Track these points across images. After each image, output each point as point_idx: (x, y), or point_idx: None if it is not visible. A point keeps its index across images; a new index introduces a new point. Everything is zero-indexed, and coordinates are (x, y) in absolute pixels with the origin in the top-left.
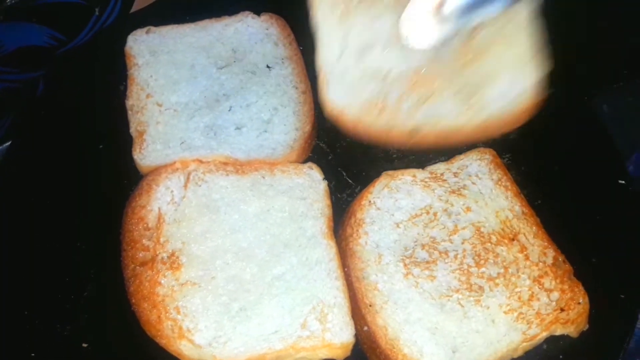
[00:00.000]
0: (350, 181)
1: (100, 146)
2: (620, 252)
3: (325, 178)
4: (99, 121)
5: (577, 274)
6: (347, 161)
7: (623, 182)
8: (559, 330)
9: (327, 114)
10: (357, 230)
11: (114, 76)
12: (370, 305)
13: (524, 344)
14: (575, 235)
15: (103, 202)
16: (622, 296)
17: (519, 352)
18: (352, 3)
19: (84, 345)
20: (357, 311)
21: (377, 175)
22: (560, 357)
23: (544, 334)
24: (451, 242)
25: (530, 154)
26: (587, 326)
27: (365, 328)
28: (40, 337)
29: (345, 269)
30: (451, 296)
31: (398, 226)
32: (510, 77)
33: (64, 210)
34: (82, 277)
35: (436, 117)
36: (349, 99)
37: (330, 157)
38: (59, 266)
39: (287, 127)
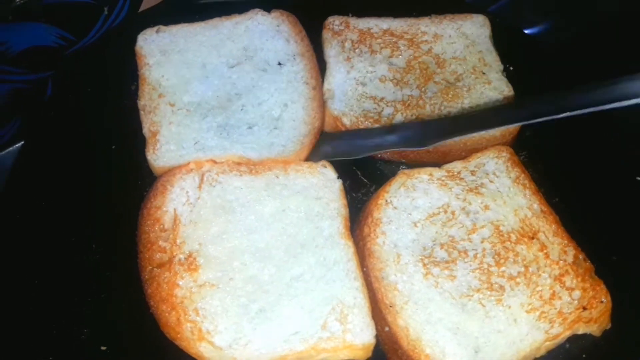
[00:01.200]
0: (365, 180)
1: (113, 147)
2: None
3: (340, 177)
4: (110, 122)
5: (598, 272)
6: (361, 160)
7: None
8: (581, 329)
9: (327, 121)
10: (375, 230)
11: (124, 76)
12: (390, 306)
13: (547, 343)
14: (594, 233)
15: (117, 203)
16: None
17: (542, 352)
18: (355, 51)
19: (103, 348)
20: (378, 312)
21: (392, 173)
22: (584, 356)
23: (567, 333)
24: (470, 241)
25: (547, 151)
26: (609, 325)
27: (387, 329)
28: (58, 341)
29: (364, 269)
30: (472, 296)
31: (416, 225)
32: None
33: (77, 212)
34: (99, 279)
35: None
36: (348, 109)
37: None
38: (74, 269)
39: (297, 123)
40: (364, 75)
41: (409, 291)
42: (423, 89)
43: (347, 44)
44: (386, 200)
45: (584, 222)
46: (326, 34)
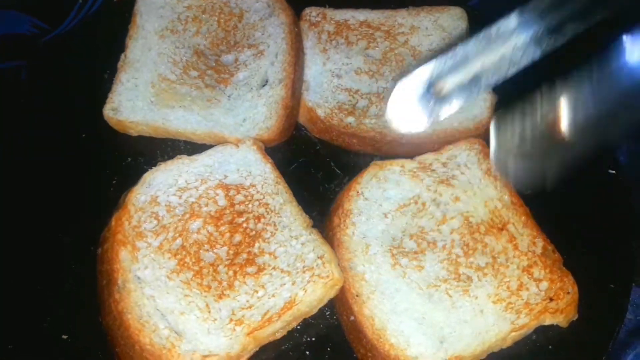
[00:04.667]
0: (338, 171)
1: (83, 135)
2: (610, 242)
3: (314, 168)
4: (83, 110)
5: (567, 263)
6: (335, 151)
7: (613, 171)
8: (548, 320)
9: (301, 112)
10: (345, 221)
11: (98, 64)
12: (357, 296)
13: (513, 333)
14: (564, 225)
15: (86, 193)
16: (612, 286)
17: (508, 342)
18: (332, 43)
19: (64, 337)
20: (344, 301)
21: (366, 165)
22: (550, 347)
23: (533, 324)
24: (439, 232)
25: None
26: (576, 316)
27: (352, 318)
28: (19, 329)
29: None
30: (439, 286)
31: (386, 216)
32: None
33: (45, 202)
34: (62, 270)
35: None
36: (323, 101)
37: (318, 147)
38: (39, 259)
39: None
40: (340, 67)
41: (376, 281)
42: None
43: (324, 36)
44: (357, 192)
45: (555, 215)
46: (303, 25)
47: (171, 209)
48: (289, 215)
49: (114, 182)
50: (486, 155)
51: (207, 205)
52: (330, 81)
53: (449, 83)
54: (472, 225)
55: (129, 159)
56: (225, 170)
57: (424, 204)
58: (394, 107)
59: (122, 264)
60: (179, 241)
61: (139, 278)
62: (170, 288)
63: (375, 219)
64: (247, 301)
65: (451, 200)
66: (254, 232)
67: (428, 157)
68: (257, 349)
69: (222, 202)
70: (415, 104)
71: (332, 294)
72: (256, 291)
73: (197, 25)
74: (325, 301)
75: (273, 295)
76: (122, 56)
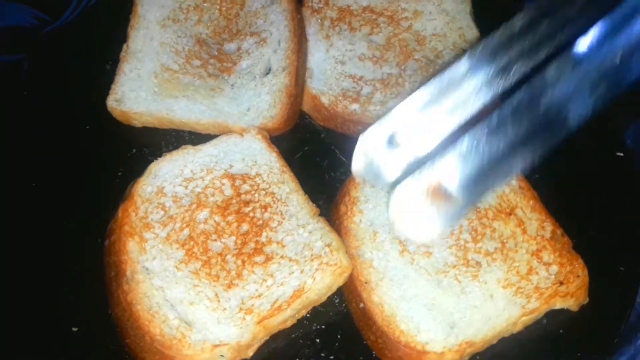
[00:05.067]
0: (343, 159)
1: (87, 127)
2: (619, 225)
3: (319, 156)
4: (85, 102)
5: (576, 247)
6: (340, 139)
7: (621, 154)
8: (558, 304)
9: (305, 100)
10: (352, 209)
11: (100, 55)
12: (365, 283)
13: (524, 318)
14: (573, 208)
15: (91, 185)
16: (622, 269)
17: (519, 327)
18: (335, 29)
19: (74, 329)
20: (353, 289)
21: None
22: (561, 331)
23: (544, 308)
24: None
25: None
26: (587, 299)
27: (361, 305)
28: (28, 322)
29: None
30: (448, 272)
31: None
32: None
33: (50, 195)
34: (70, 263)
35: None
36: (327, 88)
37: (323, 135)
38: (45, 252)
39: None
40: (343, 54)
41: (385, 268)
42: (403, 67)
43: (327, 22)
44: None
45: (564, 198)
46: (305, 12)
47: (178, 200)
48: (295, 204)
49: (119, 173)
50: None
51: (213, 195)
52: (334, 68)
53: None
54: (480, 211)
55: (134, 150)
56: (230, 159)
57: None
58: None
59: (130, 255)
60: (186, 231)
61: (147, 269)
62: (179, 278)
63: (382, 206)
64: (256, 290)
65: None
66: (261, 222)
67: None
68: (268, 337)
69: (229, 191)
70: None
71: (340, 281)
72: (265, 280)
73: (199, 14)
74: (334, 289)
75: (282, 284)
76: (124, 46)
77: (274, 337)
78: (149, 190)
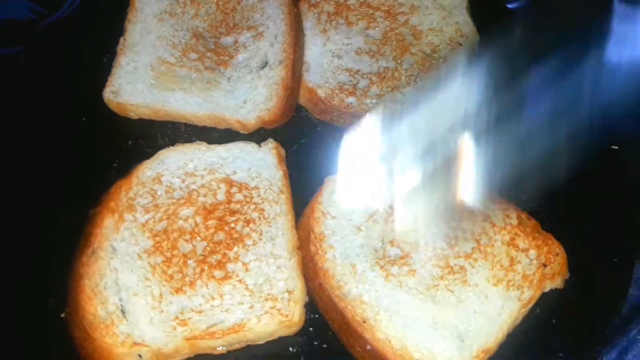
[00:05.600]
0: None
1: (83, 119)
2: (612, 218)
3: (315, 149)
4: (81, 94)
5: (569, 241)
6: (336, 132)
7: (616, 147)
8: (548, 286)
9: (302, 93)
10: (321, 246)
11: (97, 49)
12: (364, 322)
13: (523, 310)
14: (566, 200)
15: (86, 176)
16: (615, 260)
17: (519, 320)
18: (332, 23)
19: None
20: (352, 332)
21: None
22: (553, 321)
23: (537, 294)
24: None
25: None
26: (568, 274)
27: (369, 347)
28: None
29: (325, 292)
30: (438, 285)
31: (360, 229)
32: None
33: (45, 186)
34: (62, 253)
35: (400, 103)
36: (323, 82)
37: (319, 129)
38: (38, 242)
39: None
40: (340, 48)
41: (376, 300)
42: (399, 61)
43: (324, 16)
44: (322, 212)
45: (558, 191)
46: (302, 7)
47: (170, 191)
48: (279, 228)
49: (114, 165)
50: None
51: (205, 195)
52: (330, 62)
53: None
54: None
55: (130, 142)
56: (237, 166)
57: (391, 206)
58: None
59: (103, 231)
60: (164, 223)
61: (113, 248)
62: (136, 267)
63: (350, 235)
64: (200, 305)
65: None
66: (237, 235)
67: None
68: (192, 355)
69: (221, 196)
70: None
71: (285, 333)
72: (213, 298)
73: (196, 7)
74: (275, 337)
75: (227, 310)
76: (121, 40)
77: None
78: (149, 174)
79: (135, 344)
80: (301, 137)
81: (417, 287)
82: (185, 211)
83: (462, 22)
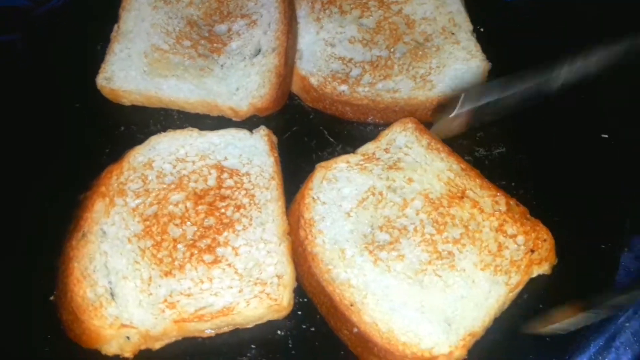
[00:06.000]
0: (331, 139)
1: (77, 105)
2: (601, 206)
3: (307, 137)
4: (75, 80)
5: (558, 227)
6: (328, 120)
7: (606, 136)
8: (535, 272)
9: (294, 80)
10: (311, 231)
11: (94, 36)
12: (351, 305)
13: (510, 294)
14: (557, 189)
15: (79, 162)
16: (603, 247)
17: (507, 304)
18: (325, 12)
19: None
20: (340, 315)
21: (360, 134)
22: (540, 306)
23: (525, 279)
24: (406, 217)
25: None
26: (556, 260)
27: (355, 330)
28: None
29: (314, 277)
30: (426, 270)
31: (349, 215)
32: (457, 67)
33: (38, 171)
34: (52, 240)
35: (392, 91)
36: (316, 70)
37: (312, 116)
38: (30, 228)
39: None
40: (333, 36)
41: (364, 284)
42: (392, 50)
43: (317, 5)
44: (313, 198)
45: (548, 180)
46: None
47: (161, 176)
48: (269, 214)
49: (106, 150)
50: (422, 131)
51: (196, 181)
52: (323, 50)
53: None
54: (434, 201)
55: (122, 128)
56: (228, 152)
57: (381, 193)
58: None
59: (94, 215)
60: (154, 208)
61: (104, 232)
62: (126, 250)
63: (339, 220)
64: (189, 288)
65: (405, 182)
66: (228, 220)
67: (369, 147)
68: (180, 338)
69: (212, 182)
70: None
71: (274, 317)
72: (202, 281)
73: None
74: (264, 320)
75: (215, 294)
76: (115, 27)
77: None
78: (140, 159)
79: (123, 325)
80: (293, 125)
81: (405, 272)
82: (176, 196)
83: (455, 11)
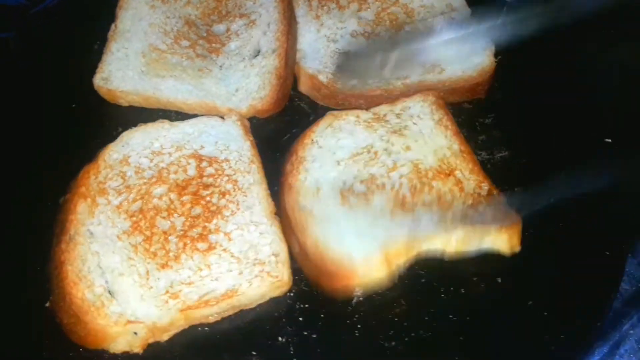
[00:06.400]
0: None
1: (73, 105)
2: (604, 210)
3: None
4: (71, 81)
5: (561, 230)
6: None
7: (609, 140)
8: (490, 242)
9: (303, 80)
10: (297, 167)
11: (89, 35)
12: (302, 226)
13: (448, 243)
14: (560, 193)
15: (75, 163)
16: (607, 253)
17: (451, 248)
18: (323, 9)
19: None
20: (291, 237)
21: None
22: (545, 314)
23: (469, 240)
24: (389, 178)
25: (517, 115)
26: (519, 247)
27: (297, 249)
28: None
29: (282, 203)
30: (385, 214)
31: (339, 164)
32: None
33: (35, 172)
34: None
35: (402, 77)
36: (323, 67)
37: (312, 118)
38: (26, 228)
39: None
40: (335, 32)
41: (323, 214)
42: None
43: (314, 2)
44: (312, 140)
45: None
46: None
47: (140, 171)
48: (255, 197)
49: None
50: (439, 106)
51: (176, 172)
52: (327, 46)
53: None
54: (421, 171)
55: (120, 129)
56: (203, 140)
57: (376, 152)
58: None
59: (78, 216)
60: (138, 204)
61: (91, 233)
62: (117, 248)
63: (328, 166)
64: (189, 277)
65: (402, 149)
66: (215, 207)
67: (383, 108)
68: (187, 327)
69: (192, 172)
70: None
71: (276, 294)
72: (200, 269)
73: None
74: (267, 298)
75: (216, 279)
76: (113, 26)
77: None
78: (115, 157)
79: (129, 321)
80: (293, 127)
81: (365, 212)
82: (158, 189)
83: None
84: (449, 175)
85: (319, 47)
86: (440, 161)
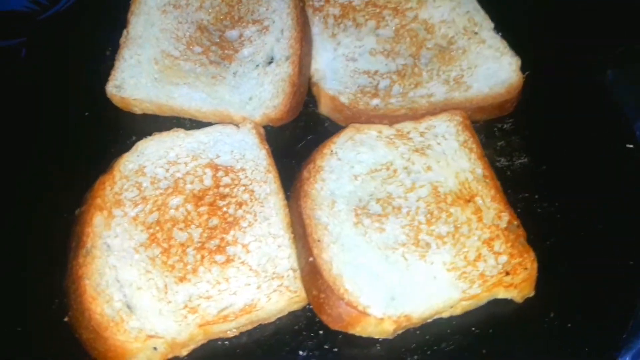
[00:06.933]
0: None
1: (86, 114)
2: (627, 219)
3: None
4: (84, 88)
5: (582, 241)
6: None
7: (631, 146)
8: (501, 294)
9: (324, 102)
10: (314, 176)
11: (98, 42)
12: (318, 240)
13: (463, 302)
14: (581, 200)
15: (88, 170)
16: (631, 263)
17: (459, 310)
18: (339, 27)
19: (65, 319)
20: (304, 244)
21: None
22: (569, 325)
23: (485, 296)
24: (406, 199)
25: (536, 120)
26: (532, 293)
27: (311, 259)
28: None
29: (297, 208)
30: (397, 249)
31: (356, 179)
32: (489, 65)
33: (49, 181)
34: (64, 250)
35: (427, 96)
36: (343, 87)
37: (326, 124)
38: (42, 239)
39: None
40: (353, 51)
41: (338, 234)
42: (416, 57)
43: (330, 20)
44: (332, 151)
45: (572, 189)
46: (308, 11)
47: (155, 182)
48: (272, 207)
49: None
50: (466, 127)
51: (192, 182)
52: (346, 66)
53: None
54: (440, 195)
55: (134, 138)
56: (219, 149)
57: (395, 170)
58: None
59: (94, 229)
60: (155, 215)
61: (108, 246)
62: (135, 261)
63: (345, 179)
64: (207, 291)
65: (423, 169)
66: (232, 218)
67: (407, 126)
68: (206, 341)
69: (208, 181)
70: None
71: (295, 308)
72: (219, 282)
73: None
74: (285, 312)
75: (235, 293)
76: (124, 32)
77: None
78: (131, 167)
79: (149, 337)
80: (308, 133)
81: (377, 243)
82: (175, 200)
83: (472, 10)
84: (469, 201)
85: (337, 67)
86: (461, 185)
